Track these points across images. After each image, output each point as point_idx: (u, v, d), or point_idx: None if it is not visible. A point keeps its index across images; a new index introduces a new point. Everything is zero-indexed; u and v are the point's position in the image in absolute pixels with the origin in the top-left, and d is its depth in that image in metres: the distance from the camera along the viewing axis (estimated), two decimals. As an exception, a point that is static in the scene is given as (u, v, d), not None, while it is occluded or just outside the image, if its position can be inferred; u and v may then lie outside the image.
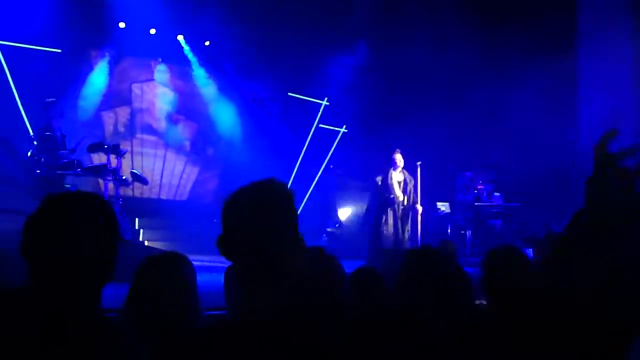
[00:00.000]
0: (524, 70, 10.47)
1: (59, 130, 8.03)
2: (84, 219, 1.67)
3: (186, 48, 11.82)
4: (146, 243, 9.87)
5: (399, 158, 8.38)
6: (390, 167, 8.33)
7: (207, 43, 11.88)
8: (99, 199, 1.74)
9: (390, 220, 8.29)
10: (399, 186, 8.37)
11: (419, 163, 8.64)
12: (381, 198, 8.31)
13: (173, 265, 2.41)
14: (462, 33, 10.62)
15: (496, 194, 11.06)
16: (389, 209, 8.27)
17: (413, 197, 8.42)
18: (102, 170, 7.76)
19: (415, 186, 8.50)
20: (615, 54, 10.36)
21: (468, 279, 2.54)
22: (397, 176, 8.37)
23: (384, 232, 8.24)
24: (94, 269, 1.66)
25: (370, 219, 8.48)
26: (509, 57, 10.61)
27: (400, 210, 8.35)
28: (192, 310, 2.31)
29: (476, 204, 10.93)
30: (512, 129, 10.75)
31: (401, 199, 8.37)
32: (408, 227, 8.42)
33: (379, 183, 8.36)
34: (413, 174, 8.58)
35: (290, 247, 1.64)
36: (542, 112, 10.57)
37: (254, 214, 1.62)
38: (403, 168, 8.42)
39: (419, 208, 8.43)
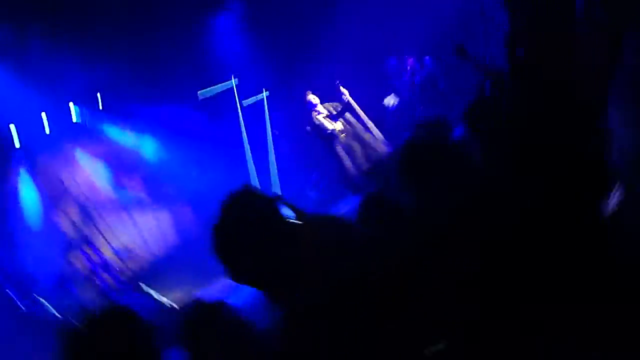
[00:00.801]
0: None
1: None
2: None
3: (79, 115, 11.46)
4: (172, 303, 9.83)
5: (312, 98, 8.39)
6: (312, 111, 8.33)
7: (99, 100, 11.52)
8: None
9: (342, 152, 8.33)
10: (331, 121, 8.40)
11: (337, 82, 8.61)
12: (323, 140, 8.35)
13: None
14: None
15: (427, 60, 11.08)
16: (335, 145, 8.29)
17: (356, 118, 8.44)
18: (92, 273, 7.69)
19: (350, 108, 8.50)
20: None
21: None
22: (322, 115, 8.39)
23: (346, 164, 8.29)
24: None
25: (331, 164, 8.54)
26: None
27: (345, 138, 8.39)
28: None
29: (415, 80, 10.98)
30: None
31: (339, 128, 8.41)
32: (368, 145, 8.44)
33: (311, 130, 8.37)
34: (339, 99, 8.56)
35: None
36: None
37: (246, 231, 1.64)
38: (322, 103, 8.44)
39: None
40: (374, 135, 8.91)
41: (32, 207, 10.89)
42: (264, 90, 12.13)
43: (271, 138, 11.96)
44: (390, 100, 11.37)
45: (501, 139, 1.89)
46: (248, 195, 1.70)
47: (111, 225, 11.38)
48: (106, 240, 10.73)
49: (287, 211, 1.77)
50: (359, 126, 8.73)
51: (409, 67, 11.21)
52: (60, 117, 11.21)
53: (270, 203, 1.70)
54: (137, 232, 11.40)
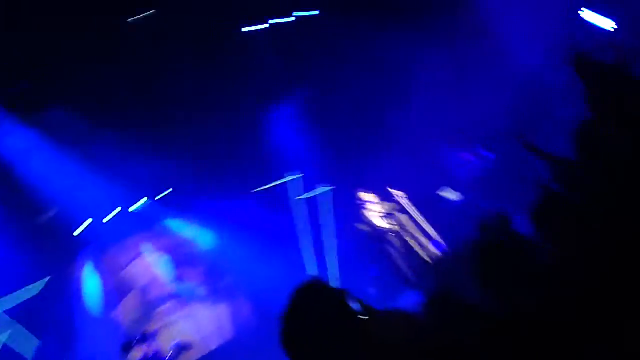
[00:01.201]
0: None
1: None
2: None
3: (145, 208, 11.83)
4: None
5: (364, 196, 8.48)
6: (362, 210, 8.40)
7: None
8: None
9: (397, 256, 8.35)
10: (384, 220, 8.45)
11: (390, 190, 8.69)
12: (378, 241, 8.40)
13: None
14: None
15: (483, 150, 11.01)
16: (389, 248, 8.34)
17: (408, 218, 8.46)
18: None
19: (400, 208, 8.53)
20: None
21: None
22: (374, 213, 8.46)
23: (400, 263, 8.28)
24: None
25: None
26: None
27: (400, 239, 8.40)
28: None
29: (474, 173, 10.90)
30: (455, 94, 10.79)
31: (394, 229, 8.44)
32: (420, 245, 8.44)
33: (365, 229, 8.40)
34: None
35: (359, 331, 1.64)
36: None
37: (313, 324, 1.62)
38: (377, 201, 8.49)
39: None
40: (427, 234, 8.89)
41: (94, 299, 11.08)
42: (326, 186, 12.23)
43: (334, 232, 11.96)
44: (448, 194, 11.27)
45: (574, 237, 1.83)
46: (317, 287, 1.69)
47: (170, 319, 11.42)
48: (165, 334, 10.72)
49: (354, 305, 1.75)
50: (411, 225, 8.73)
51: (466, 160, 11.18)
52: (124, 208, 11.61)
53: (338, 296, 1.68)
54: (196, 326, 11.37)
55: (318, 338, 1.59)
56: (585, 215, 1.86)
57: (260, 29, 11.24)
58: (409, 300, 8.40)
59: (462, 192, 11.00)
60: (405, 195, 8.86)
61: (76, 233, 11.00)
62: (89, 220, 11.05)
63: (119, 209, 11.39)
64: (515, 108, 10.45)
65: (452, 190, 11.18)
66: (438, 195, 11.13)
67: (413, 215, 8.87)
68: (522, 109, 10.51)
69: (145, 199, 11.71)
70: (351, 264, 11.36)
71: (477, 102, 10.52)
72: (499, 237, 2.65)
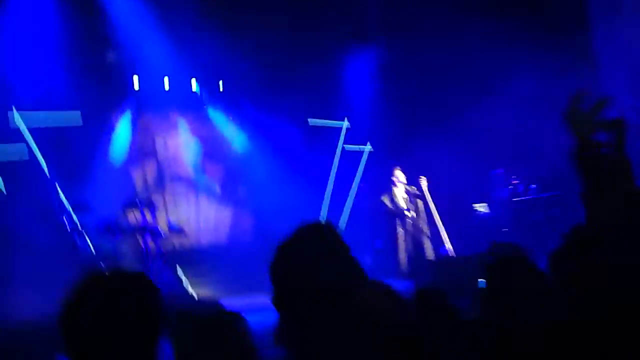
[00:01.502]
0: (541, 54, 10.35)
1: None
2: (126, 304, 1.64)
3: (198, 90, 11.94)
4: (194, 295, 9.90)
5: (398, 174, 8.49)
6: (393, 185, 8.41)
7: (221, 86, 11.98)
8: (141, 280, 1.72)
9: (402, 238, 8.36)
10: (405, 202, 8.46)
11: (422, 179, 8.64)
12: (389, 216, 8.42)
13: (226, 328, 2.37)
14: (474, 30, 10.54)
15: (532, 186, 10.91)
16: (399, 227, 8.36)
17: (424, 209, 8.45)
18: (140, 232, 7.84)
19: (423, 198, 8.52)
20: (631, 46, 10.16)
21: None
22: (400, 192, 8.46)
23: (401, 247, 8.33)
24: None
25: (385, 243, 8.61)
26: (524, 45, 10.48)
27: (411, 225, 8.42)
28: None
29: (514, 199, 10.79)
30: (539, 121, 10.59)
31: (410, 214, 8.46)
32: (426, 239, 8.45)
33: (386, 203, 8.43)
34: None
35: (351, 290, 1.62)
36: (560, 96, 10.38)
37: (307, 269, 1.60)
38: (407, 183, 8.49)
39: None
40: (438, 234, 8.91)
41: (119, 150, 11.31)
42: (368, 144, 12.18)
43: (355, 191, 11.95)
44: (482, 208, 11.20)
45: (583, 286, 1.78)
46: (328, 232, 1.66)
47: (177, 200, 11.64)
48: (166, 210, 10.95)
49: (355, 264, 1.72)
50: (424, 218, 8.72)
51: (512, 186, 11.03)
52: (182, 85, 11.73)
53: (344, 249, 1.66)
54: (196, 218, 11.57)
55: (309, 278, 1.58)
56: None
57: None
58: (398, 285, 8.45)
59: (495, 212, 10.91)
60: (428, 190, 8.79)
61: (136, 87, 11.20)
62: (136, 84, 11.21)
63: (167, 79, 11.49)
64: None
65: (487, 207, 11.10)
66: (471, 205, 11.07)
67: (431, 209, 8.85)
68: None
69: (194, 81, 11.76)
70: (360, 227, 11.41)
71: (550, 131, 10.27)
72: (510, 268, 2.60)
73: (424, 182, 8.83)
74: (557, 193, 10.57)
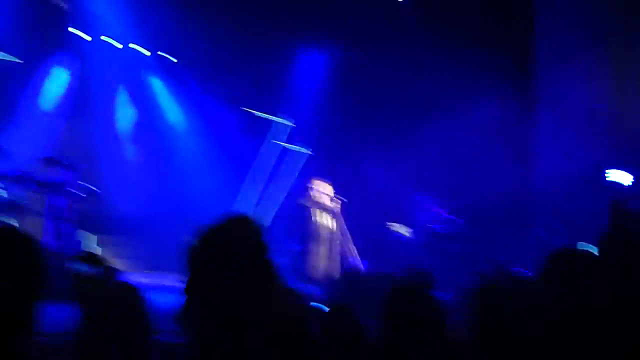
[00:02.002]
0: (483, 93, 10.62)
1: None
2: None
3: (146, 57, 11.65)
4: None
5: (323, 184, 8.53)
6: (311, 191, 8.46)
7: (170, 58, 11.73)
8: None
9: (318, 248, 8.41)
10: (325, 211, 8.53)
11: (338, 197, 8.73)
12: (307, 226, 8.46)
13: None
14: (429, 58, 10.74)
15: (453, 218, 11.13)
16: (316, 234, 8.41)
17: (340, 225, 8.56)
18: (55, 186, 7.52)
19: (343, 211, 8.62)
20: (572, 94, 10.61)
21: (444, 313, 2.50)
22: (322, 201, 8.52)
23: (313, 261, 8.37)
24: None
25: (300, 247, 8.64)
26: (469, 82, 10.75)
27: (328, 235, 8.49)
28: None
29: (434, 229, 10.98)
30: (468, 154, 10.90)
31: (328, 224, 8.52)
32: (339, 250, 8.54)
33: (303, 210, 8.48)
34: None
35: (263, 291, 1.59)
36: (501, 137, 10.77)
37: (226, 261, 1.57)
38: (333, 193, 8.56)
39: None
40: (348, 249, 9.01)
41: (51, 98, 10.88)
42: (308, 148, 12.17)
43: (287, 190, 11.90)
44: (399, 228, 11.34)
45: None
46: (251, 228, 1.63)
47: (101, 163, 11.29)
48: (88, 172, 10.59)
49: (272, 267, 1.69)
50: (341, 230, 8.79)
51: (435, 214, 11.24)
52: (130, 49, 11.41)
53: (262, 248, 1.63)
54: (118, 186, 11.23)
55: (223, 272, 1.54)
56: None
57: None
58: (306, 291, 8.49)
59: (413, 236, 11.10)
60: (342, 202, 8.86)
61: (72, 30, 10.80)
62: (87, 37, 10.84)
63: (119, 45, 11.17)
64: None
65: (407, 229, 11.26)
66: (387, 226, 11.24)
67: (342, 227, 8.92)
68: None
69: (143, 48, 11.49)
70: (279, 226, 11.40)
71: (488, 170, 10.61)
72: (414, 295, 2.63)
73: (338, 197, 8.86)
74: (476, 229, 10.83)
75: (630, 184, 9.81)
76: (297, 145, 12.09)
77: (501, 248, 9.84)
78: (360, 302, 5.74)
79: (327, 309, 2.87)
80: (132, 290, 2.37)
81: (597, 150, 10.29)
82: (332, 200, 8.71)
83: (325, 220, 8.68)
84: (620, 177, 9.96)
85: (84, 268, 2.42)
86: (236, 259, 1.58)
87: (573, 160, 10.37)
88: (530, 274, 7.54)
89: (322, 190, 8.65)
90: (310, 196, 8.61)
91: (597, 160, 10.19)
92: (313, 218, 8.61)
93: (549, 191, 10.72)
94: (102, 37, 11.02)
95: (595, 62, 10.40)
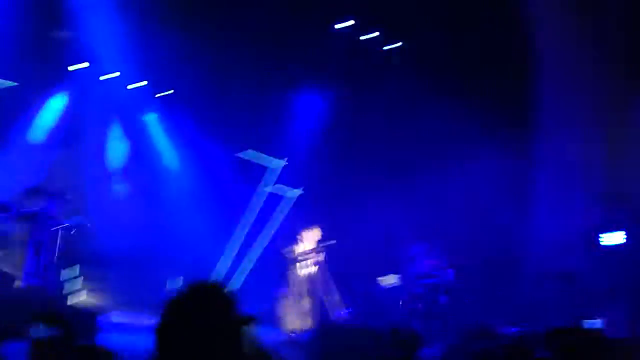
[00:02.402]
0: (482, 147, 10.58)
1: None
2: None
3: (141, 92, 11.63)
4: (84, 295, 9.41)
5: (305, 235, 8.47)
6: (294, 242, 8.41)
7: (171, 91, 11.70)
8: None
9: (296, 299, 8.31)
10: (309, 260, 8.45)
11: (324, 245, 8.61)
12: (285, 272, 8.39)
13: None
14: (423, 104, 10.73)
15: (445, 270, 10.94)
16: (292, 288, 8.33)
17: (322, 274, 8.47)
18: (40, 217, 7.35)
19: (327, 260, 8.53)
20: (570, 155, 10.63)
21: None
22: (307, 248, 8.45)
23: (290, 311, 8.26)
24: None
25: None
26: (467, 133, 10.71)
27: (309, 284, 8.39)
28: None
29: (424, 280, 10.78)
30: (466, 205, 10.80)
31: (303, 274, 8.43)
32: (312, 301, 8.43)
33: (286, 257, 8.41)
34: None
35: None
36: (498, 191, 10.69)
37: (194, 335, 1.43)
38: (319, 242, 8.48)
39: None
40: (329, 299, 8.86)
41: (42, 129, 10.79)
42: (298, 189, 12.05)
43: (272, 232, 11.73)
44: (390, 280, 11.13)
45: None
46: (217, 296, 1.51)
47: (89, 196, 11.13)
48: (74, 204, 10.43)
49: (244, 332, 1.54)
50: (325, 279, 8.65)
51: (426, 265, 11.05)
52: (126, 83, 11.39)
53: (229, 319, 1.50)
54: (104, 220, 11.04)
55: (191, 349, 1.42)
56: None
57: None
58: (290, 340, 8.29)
59: (404, 289, 10.89)
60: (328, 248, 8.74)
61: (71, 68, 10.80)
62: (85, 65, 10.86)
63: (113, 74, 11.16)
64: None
65: (398, 280, 11.05)
66: (381, 271, 11.06)
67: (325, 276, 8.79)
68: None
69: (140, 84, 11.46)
70: (264, 271, 11.24)
71: (484, 221, 10.52)
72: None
73: (327, 246, 8.75)
74: (463, 286, 10.65)
75: (623, 241, 9.79)
76: (287, 186, 11.98)
77: (490, 302, 9.68)
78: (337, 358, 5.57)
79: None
80: (99, 356, 2.17)
81: (592, 212, 10.26)
82: (317, 249, 8.58)
83: (307, 271, 8.54)
84: (614, 239, 9.93)
85: (41, 332, 2.21)
86: (203, 332, 1.45)
87: (568, 221, 10.32)
88: (515, 330, 7.39)
89: (308, 240, 8.53)
90: (293, 248, 8.50)
91: (590, 222, 10.16)
92: (294, 269, 8.49)
93: (543, 248, 10.62)
94: (99, 71, 10.97)
95: (594, 125, 10.43)
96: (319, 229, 8.68)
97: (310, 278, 8.52)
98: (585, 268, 9.93)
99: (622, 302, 9.22)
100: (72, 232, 8.35)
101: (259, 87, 11.13)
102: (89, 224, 8.54)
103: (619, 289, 9.38)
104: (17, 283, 7.06)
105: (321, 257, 8.61)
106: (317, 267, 8.59)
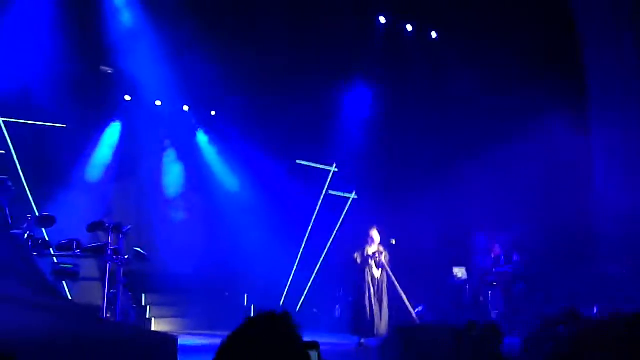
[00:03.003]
0: (536, 127, 10.23)
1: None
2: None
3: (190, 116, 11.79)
4: (153, 322, 9.51)
5: (374, 234, 8.35)
6: (366, 243, 8.28)
7: (213, 113, 11.83)
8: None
9: (367, 300, 8.19)
10: (375, 263, 8.33)
11: (392, 241, 8.46)
12: (360, 275, 8.26)
13: None
14: (468, 90, 10.47)
15: (516, 254, 10.64)
16: (367, 286, 8.20)
17: (386, 271, 8.31)
18: (103, 250, 7.47)
19: (389, 260, 8.37)
20: (625, 116, 10.18)
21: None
22: (372, 251, 8.34)
23: (363, 311, 8.15)
24: None
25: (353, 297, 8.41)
26: (520, 113, 10.40)
27: (376, 287, 8.27)
28: None
29: (494, 267, 10.52)
30: (527, 187, 10.46)
31: (377, 275, 8.31)
32: (385, 303, 8.30)
33: (357, 260, 8.29)
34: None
35: None
36: (557, 170, 10.32)
37: None
38: (379, 243, 8.35)
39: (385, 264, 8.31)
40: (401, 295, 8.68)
41: (99, 165, 11.07)
42: (353, 193, 11.94)
43: (333, 238, 11.65)
44: (459, 272, 10.91)
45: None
46: (279, 325, 1.43)
47: (150, 224, 11.30)
48: (137, 234, 10.59)
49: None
50: (391, 280, 8.49)
51: (494, 254, 10.77)
52: (174, 109, 11.56)
53: (292, 347, 1.42)
54: (167, 246, 11.17)
55: None
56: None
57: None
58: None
59: (474, 278, 10.64)
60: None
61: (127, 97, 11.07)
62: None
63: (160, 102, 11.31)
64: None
65: (465, 272, 10.82)
66: (449, 268, 10.84)
67: (391, 276, 8.62)
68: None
69: (187, 107, 11.57)
70: (331, 274, 11.19)
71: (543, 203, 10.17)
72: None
73: (384, 258, 8.60)
74: (538, 269, 10.33)
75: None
76: (341, 191, 11.90)
77: (565, 286, 9.31)
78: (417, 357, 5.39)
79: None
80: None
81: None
82: (382, 249, 8.47)
83: (378, 273, 8.43)
84: None
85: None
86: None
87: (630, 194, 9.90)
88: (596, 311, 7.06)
89: (375, 241, 8.43)
90: (365, 250, 8.41)
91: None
92: (366, 272, 8.38)
93: (611, 225, 10.17)
94: (146, 100, 11.18)
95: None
96: (381, 229, 8.55)
97: (381, 279, 8.40)
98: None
99: None
100: (133, 261, 8.47)
101: (302, 91, 11.05)
102: (146, 254, 8.67)
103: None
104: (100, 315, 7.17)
105: (387, 257, 8.47)
106: (385, 268, 8.46)
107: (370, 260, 8.34)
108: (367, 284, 8.30)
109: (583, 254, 10.16)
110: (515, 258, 10.62)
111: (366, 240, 8.43)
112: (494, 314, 9.86)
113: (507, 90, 10.15)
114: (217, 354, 1.43)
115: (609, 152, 10.47)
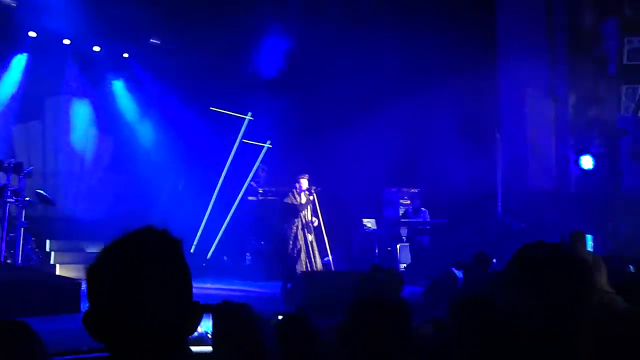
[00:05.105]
0: (447, 87, 10.46)
1: None
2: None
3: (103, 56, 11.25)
4: (57, 268, 9.21)
5: (304, 183, 8.39)
6: (295, 190, 8.31)
7: (125, 55, 11.35)
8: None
9: (301, 242, 8.28)
10: (304, 209, 8.40)
11: (314, 189, 8.52)
12: (289, 219, 8.30)
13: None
14: (387, 44, 10.52)
15: (423, 209, 11.04)
16: (293, 232, 8.28)
17: (312, 215, 8.44)
18: (1, 191, 7.10)
19: (313, 205, 8.48)
20: (532, 83, 10.71)
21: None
22: (301, 198, 8.37)
23: (296, 253, 8.23)
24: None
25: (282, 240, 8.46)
26: (432, 73, 10.59)
27: (304, 232, 8.38)
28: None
29: (402, 220, 10.87)
30: (436, 146, 10.76)
31: (316, 222, 8.41)
32: (314, 247, 8.46)
33: (287, 204, 8.32)
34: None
35: (180, 323, 1.26)
36: (465, 126, 10.66)
37: (129, 284, 1.22)
38: (307, 190, 8.40)
39: (314, 220, 8.47)
40: (323, 241, 8.87)
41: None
42: (267, 142, 11.88)
43: (246, 185, 11.60)
44: (368, 223, 11.23)
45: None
46: (162, 242, 1.31)
47: (56, 166, 10.85)
48: (41, 175, 10.14)
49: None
50: (314, 226, 8.61)
51: (403, 207, 11.11)
52: (87, 48, 11.00)
53: (177, 267, 1.32)
54: (75, 189, 10.80)
55: (124, 303, 1.23)
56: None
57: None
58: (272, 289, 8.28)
59: (382, 228, 10.96)
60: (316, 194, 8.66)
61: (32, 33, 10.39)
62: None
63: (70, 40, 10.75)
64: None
65: (374, 223, 11.13)
66: (359, 219, 11.10)
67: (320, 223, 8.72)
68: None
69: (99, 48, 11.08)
70: (242, 223, 11.22)
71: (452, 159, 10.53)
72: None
73: (314, 192, 8.64)
74: (445, 220, 10.76)
75: (591, 167, 10.09)
76: (255, 140, 11.82)
77: (469, 238, 9.75)
78: (321, 302, 5.52)
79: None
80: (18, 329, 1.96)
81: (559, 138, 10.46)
82: (310, 197, 8.48)
83: (305, 219, 8.47)
84: (589, 163, 10.17)
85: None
86: (138, 288, 1.26)
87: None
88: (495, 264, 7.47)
89: (303, 189, 8.43)
90: (295, 196, 8.38)
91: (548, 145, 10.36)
92: (295, 218, 8.38)
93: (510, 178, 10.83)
94: (56, 35, 10.53)
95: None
96: (307, 176, 8.53)
97: (307, 225, 8.43)
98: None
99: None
100: (36, 204, 8.13)
101: (221, 38, 10.76)
102: (50, 198, 8.31)
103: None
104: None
105: (311, 204, 8.51)
106: (311, 214, 8.51)
107: (303, 209, 8.36)
108: (295, 231, 8.31)
109: (486, 208, 10.68)
110: (422, 212, 11.03)
111: (295, 187, 8.37)
112: (400, 266, 10.21)
113: (419, 44, 10.24)
114: (88, 271, 1.28)
115: (516, 108, 11.01)
